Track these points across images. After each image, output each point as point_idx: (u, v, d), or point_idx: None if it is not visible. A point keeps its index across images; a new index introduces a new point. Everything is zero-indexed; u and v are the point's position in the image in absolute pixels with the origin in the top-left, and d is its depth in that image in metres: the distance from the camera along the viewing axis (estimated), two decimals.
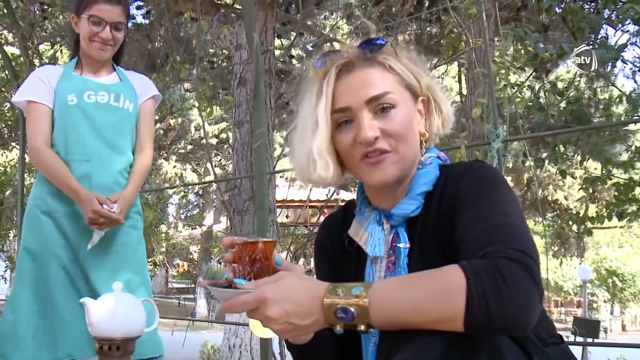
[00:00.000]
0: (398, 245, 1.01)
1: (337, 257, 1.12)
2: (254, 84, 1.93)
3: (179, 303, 19.20)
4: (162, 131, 13.21)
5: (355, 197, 1.14)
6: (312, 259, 1.23)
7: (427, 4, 6.00)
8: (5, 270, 6.72)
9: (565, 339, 1.02)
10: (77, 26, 1.93)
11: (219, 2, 5.81)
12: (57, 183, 1.85)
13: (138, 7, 6.66)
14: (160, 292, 22.52)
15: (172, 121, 13.68)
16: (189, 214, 23.67)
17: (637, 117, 3.35)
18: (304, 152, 1.03)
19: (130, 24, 6.86)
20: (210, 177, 17.95)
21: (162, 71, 7.50)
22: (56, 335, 1.79)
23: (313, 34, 7.51)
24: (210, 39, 7.08)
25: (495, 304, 0.75)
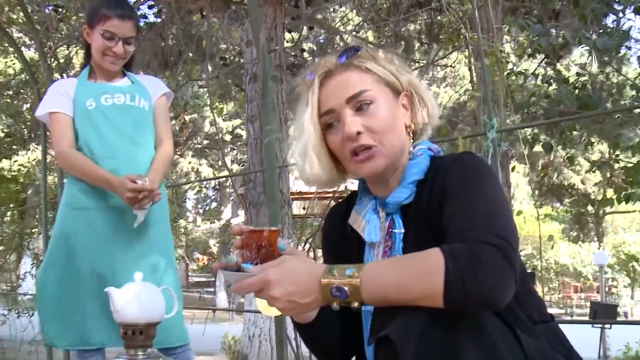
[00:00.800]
0: (394, 231, 1.10)
1: (341, 245, 1.21)
2: (262, 82, 2.03)
3: (200, 296, 19.52)
4: (177, 128, 13.40)
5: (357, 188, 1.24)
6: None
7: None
8: (32, 267, 6.95)
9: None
10: (89, 37, 2.03)
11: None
12: (88, 178, 1.95)
13: (150, 7, 6.76)
14: (181, 286, 22.82)
15: (187, 117, 13.87)
16: (207, 208, 23.94)
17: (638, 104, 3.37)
18: (295, 156, 1.17)
19: (142, 23, 7.05)
20: (225, 172, 18.16)
21: (175, 69, 7.65)
22: (84, 325, 1.92)
23: (323, 27, 7.57)
24: (222, 36, 7.20)
25: (470, 284, 0.84)
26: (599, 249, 17.34)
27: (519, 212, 3.15)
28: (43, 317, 2.01)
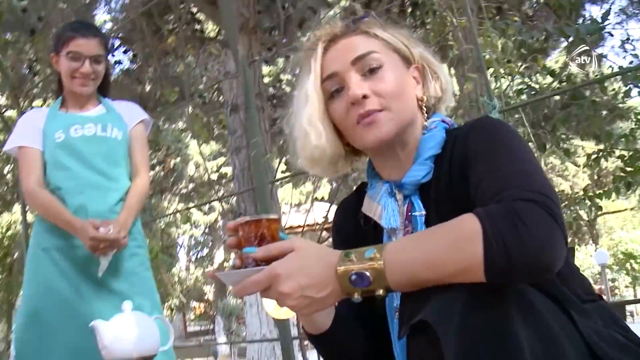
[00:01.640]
0: (414, 214, 0.98)
1: (355, 240, 1.06)
2: (244, 94, 1.93)
3: (200, 344, 19.02)
4: (162, 174, 13.26)
5: (366, 179, 1.12)
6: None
7: (409, 10, 6.04)
8: None
9: None
10: (57, 64, 1.95)
11: (202, 35, 5.87)
12: (51, 219, 1.84)
13: (124, 52, 6.71)
14: (179, 337, 22.31)
15: (171, 163, 13.75)
16: (199, 256, 23.60)
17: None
18: (298, 128, 1.04)
19: (118, 70, 7.00)
20: (215, 214, 17.94)
21: (156, 112, 7.57)
22: None
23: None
24: (200, 72, 7.16)
25: (514, 245, 0.71)
26: (595, 250, 17.29)
27: None
28: None
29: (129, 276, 1.88)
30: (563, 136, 4.20)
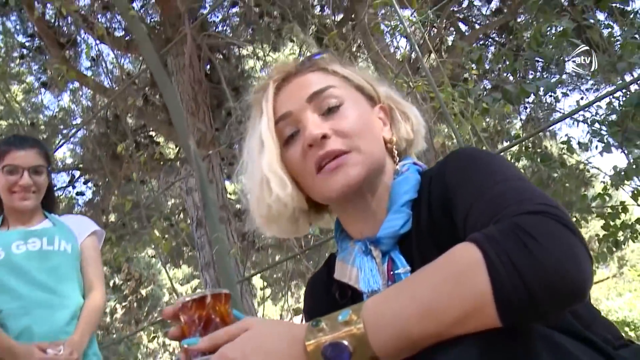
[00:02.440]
0: (396, 272, 0.82)
1: None
2: (200, 188, 1.87)
3: None
4: (135, 305, 12.75)
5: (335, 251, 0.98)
6: None
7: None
8: None
9: None
10: None
11: (160, 159, 5.91)
12: None
13: (85, 182, 6.68)
14: None
15: (143, 292, 13.29)
16: None
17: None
18: (256, 179, 0.89)
19: (80, 201, 6.92)
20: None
21: (124, 242, 7.40)
22: None
23: None
24: (163, 196, 7.13)
25: (526, 266, 0.56)
26: None
27: None
28: None
29: None
30: None
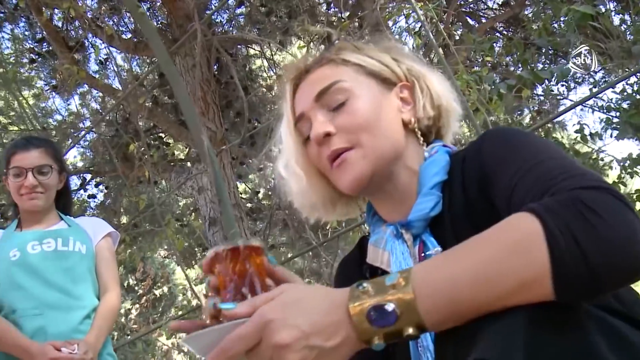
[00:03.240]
0: (428, 253, 0.81)
1: None
2: (214, 181, 1.87)
3: None
4: (149, 304, 12.81)
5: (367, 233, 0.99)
6: None
7: None
8: None
9: None
10: (8, 186, 1.89)
11: (171, 159, 5.93)
12: (4, 347, 1.66)
13: (96, 185, 6.71)
14: None
15: (157, 292, 13.37)
16: None
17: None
18: (280, 174, 0.96)
19: (92, 203, 6.94)
20: None
21: (138, 242, 7.43)
22: None
23: (272, 162, 7.67)
24: (176, 195, 7.15)
25: (589, 240, 0.54)
26: None
27: None
28: None
29: None
30: None
